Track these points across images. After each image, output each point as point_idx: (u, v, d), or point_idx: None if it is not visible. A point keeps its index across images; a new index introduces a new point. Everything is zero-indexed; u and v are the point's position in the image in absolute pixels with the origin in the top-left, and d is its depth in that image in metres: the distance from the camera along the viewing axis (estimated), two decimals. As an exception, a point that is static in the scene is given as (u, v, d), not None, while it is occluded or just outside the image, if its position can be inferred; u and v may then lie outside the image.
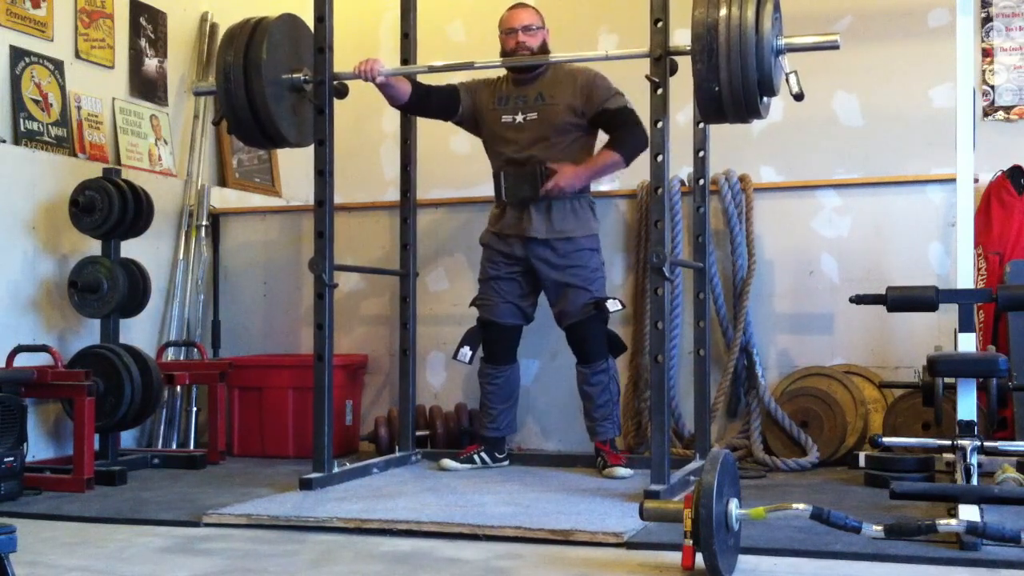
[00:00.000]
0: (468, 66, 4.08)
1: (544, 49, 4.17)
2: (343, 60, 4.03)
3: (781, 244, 4.64)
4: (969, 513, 2.92)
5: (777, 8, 3.44)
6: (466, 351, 4.28)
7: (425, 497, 3.62)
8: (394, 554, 2.92)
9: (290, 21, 4.11)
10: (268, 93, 3.93)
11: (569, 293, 4.19)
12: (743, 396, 4.58)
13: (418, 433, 4.64)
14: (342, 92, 4.04)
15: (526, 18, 4.16)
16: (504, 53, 4.19)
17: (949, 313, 3.91)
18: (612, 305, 4.17)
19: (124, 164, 5.02)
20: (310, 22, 4.02)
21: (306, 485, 3.76)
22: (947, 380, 3.71)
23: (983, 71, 5.26)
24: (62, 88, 4.80)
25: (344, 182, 4.44)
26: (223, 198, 5.58)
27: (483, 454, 4.31)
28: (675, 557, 2.67)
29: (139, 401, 4.27)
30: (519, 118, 4.18)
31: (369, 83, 4.09)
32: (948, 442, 3.53)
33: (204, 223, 5.35)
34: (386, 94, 4.20)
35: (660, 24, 3.55)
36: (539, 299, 4.37)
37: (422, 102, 4.29)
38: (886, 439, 3.87)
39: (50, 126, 4.71)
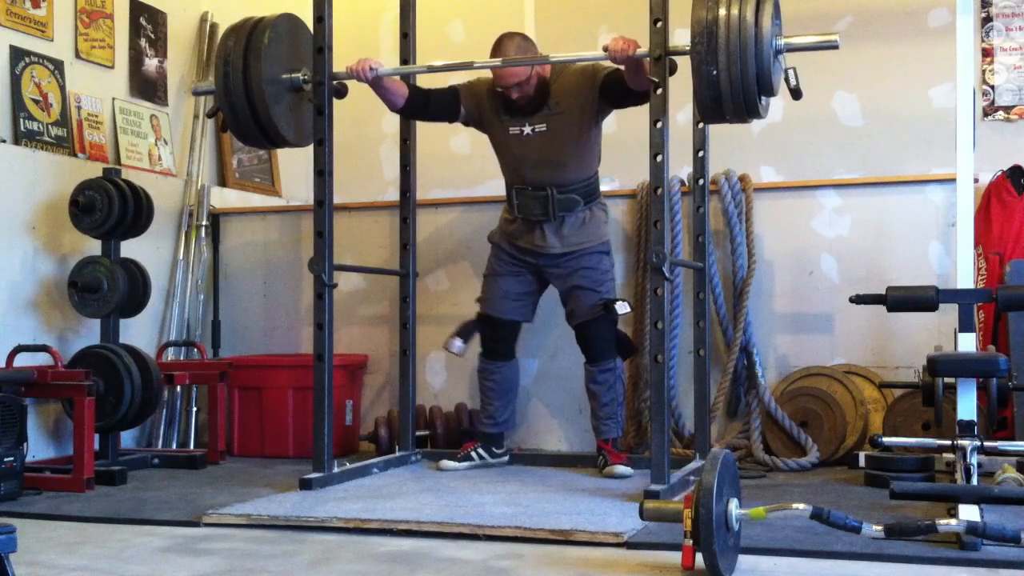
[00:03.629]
0: (468, 66, 4.07)
1: (542, 83, 4.06)
2: (343, 60, 4.03)
3: (781, 244, 4.64)
4: (969, 513, 2.92)
5: (777, 8, 3.44)
6: (458, 343, 4.28)
7: (425, 497, 3.62)
8: (394, 554, 2.92)
9: (290, 21, 4.11)
10: (267, 92, 3.93)
11: (579, 294, 4.19)
12: (743, 396, 4.58)
13: (418, 433, 4.64)
14: (342, 92, 4.04)
15: (519, 74, 4.01)
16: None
17: (949, 313, 3.91)
18: (621, 307, 4.16)
19: (124, 164, 5.02)
20: (310, 22, 4.02)
21: (306, 485, 3.76)
22: (947, 380, 3.71)
23: (983, 71, 5.26)
24: (62, 88, 4.80)
25: (344, 182, 4.44)
26: (223, 198, 5.58)
27: (480, 450, 4.31)
28: (675, 557, 2.67)
29: (139, 401, 4.27)
30: (527, 130, 4.13)
31: (368, 84, 4.07)
32: (948, 442, 3.53)
33: (204, 223, 5.36)
34: (382, 97, 4.15)
35: (660, 24, 3.54)
36: (540, 300, 4.37)
37: (419, 106, 4.25)
38: (886, 439, 3.87)
39: (50, 126, 4.72)
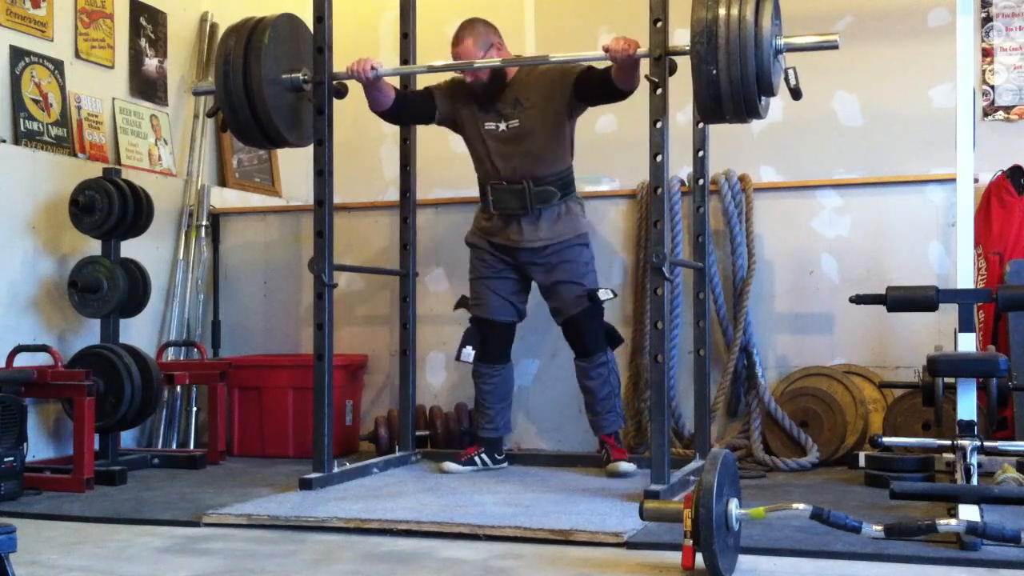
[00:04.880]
0: (468, 66, 4.07)
1: (498, 69, 4.09)
2: (343, 60, 4.03)
3: (781, 244, 4.64)
4: (969, 513, 2.92)
5: (777, 8, 3.44)
6: (469, 351, 4.26)
7: (425, 497, 3.62)
8: (394, 554, 2.92)
9: (290, 21, 4.11)
10: (268, 91, 3.93)
11: (561, 289, 4.18)
12: (743, 396, 4.58)
13: (418, 433, 4.64)
14: (341, 92, 4.04)
15: (474, 54, 4.07)
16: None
17: (949, 313, 3.91)
18: (603, 294, 4.16)
19: (124, 164, 5.02)
20: (310, 22, 4.02)
21: (306, 485, 3.76)
22: (947, 380, 3.71)
23: (983, 71, 5.26)
24: (62, 88, 4.80)
25: (344, 182, 4.44)
26: (223, 198, 5.58)
27: (484, 456, 4.29)
28: (675, 557, 2.67)
29: (139, 401, 4.27)
30: (502, 126, 4.15)
31: (365, 84, 4.06)
32: (948, 442, 3.53)
33: (204, 223, 5.36)
34: (373, 98, 4.13)
35: (660, 24, 3.55)
36: (531, 296, 4.36)
37: (400, 109, 4.26)
38: (886, 439, 3.87)
39: (50, 126, 4.72)
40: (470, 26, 4.14)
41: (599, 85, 3.97)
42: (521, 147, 4.13)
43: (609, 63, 3.83)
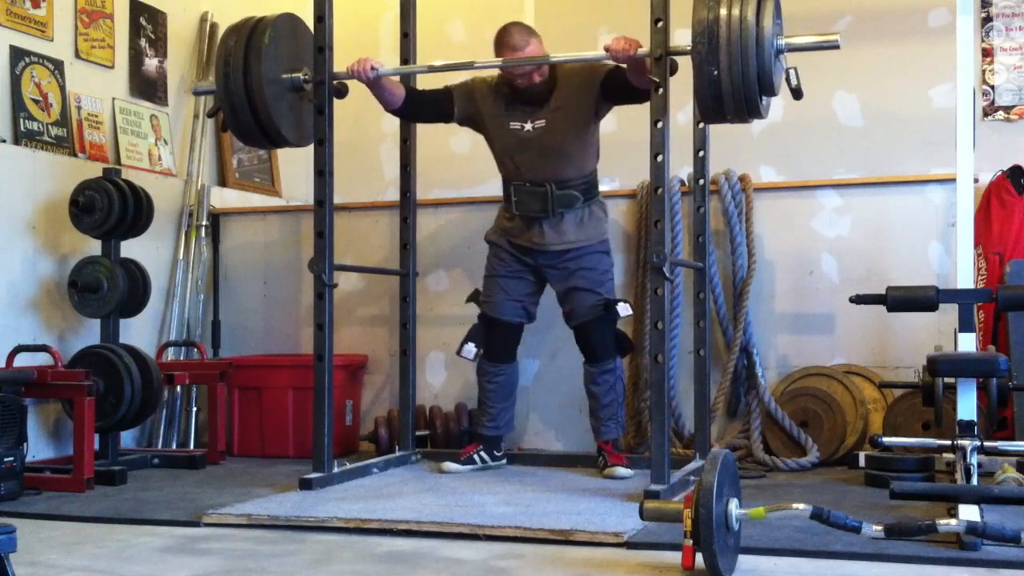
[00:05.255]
0: (468, 66, 4.07)
1: (552, 68, 4.09)
2: (343, 60, 4.03)
3: (781, 244, 4.64)
4: (969, 513, 2.92)
5: (778, 8, 3.44)
6: (471, 348, 4.26)
7: (425, 497, 3.62)
8: (394, 554, 2.92)
9: (290, 21, 4.11)
10: (268, 91, 3.93)
11: (578, 295, 4.18)
12: (743, 396, 4.59)
13: (418, 433, 4.64)
14: (342, 92, 4.05)
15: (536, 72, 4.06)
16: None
17: (949, 313, 3.92)
18: (623, 309, 4.15)
19: (124, 164, 5.03)
20: (310, 22, 4.02)
21: (306, 485, 3.76)
22: (947, 380, 3.71)
23: (983, 71, 5.26)
24: (62, 88, 4.80)
25: (344, 182, 4.43)
26: (223, 198, 5.58)
27: (483, 453, 4.30)
28: (675, 557, 2.67)
29: (139, 401, 4.27)
30: (527, 126, 4.13)
31: (367, 84, 4.07)
32: (948, 442, 3.54)
33: (204, 223, 5.36)
34: (379, 97, 4.14)
35: (660, 24, 3.54)
36: (541, 299, 4.37)
37: (415, 107, 4.26)
38: (886, 439, 3.87)
39: (50, 126, 4.72)
40: (527, 30, 4.07)
41: (624, 83, 3.95)
42: (546, 148, 4.11)
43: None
